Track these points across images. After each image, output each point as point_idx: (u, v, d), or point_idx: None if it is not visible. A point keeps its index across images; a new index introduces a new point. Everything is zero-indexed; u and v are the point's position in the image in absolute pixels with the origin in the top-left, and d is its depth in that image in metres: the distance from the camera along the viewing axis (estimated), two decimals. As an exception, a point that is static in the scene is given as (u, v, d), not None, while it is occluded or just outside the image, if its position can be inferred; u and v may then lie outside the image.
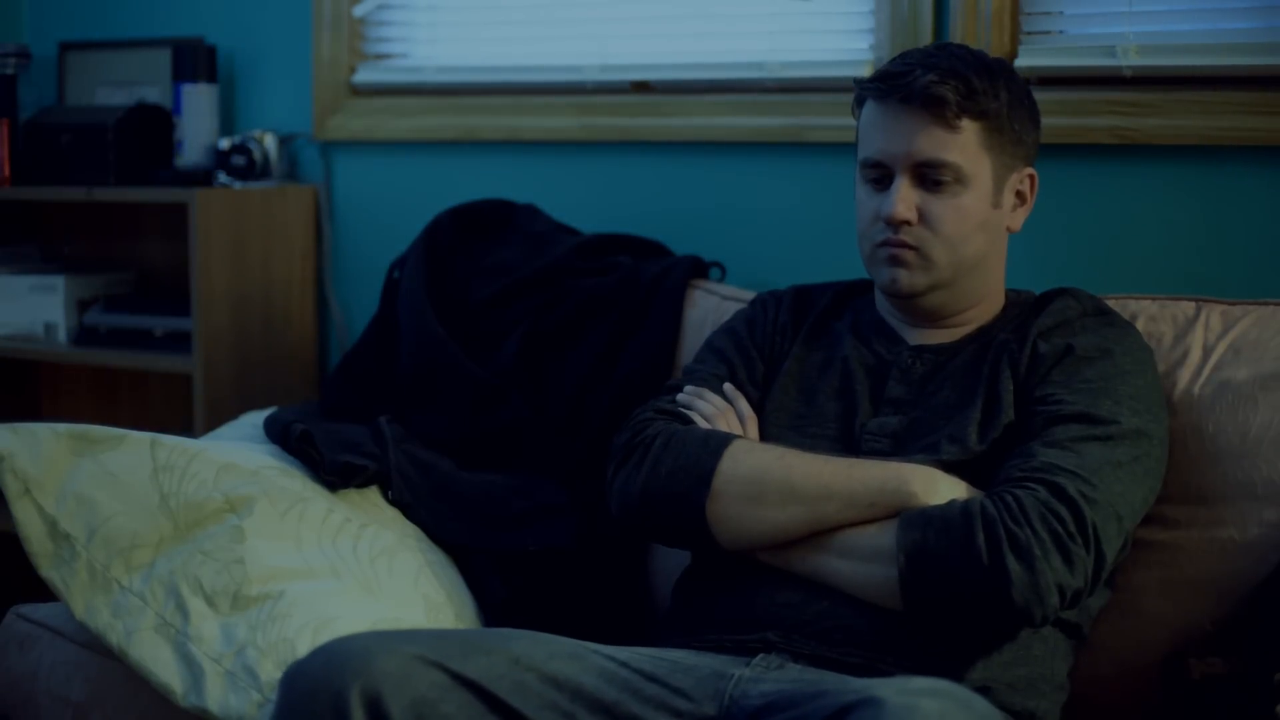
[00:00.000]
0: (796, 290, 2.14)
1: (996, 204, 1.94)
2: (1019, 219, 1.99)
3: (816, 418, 1.98)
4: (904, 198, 1.90)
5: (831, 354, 2.03)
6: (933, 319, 1.99)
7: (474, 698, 1.65)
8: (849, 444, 1.93)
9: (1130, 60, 2.29)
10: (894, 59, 1.96)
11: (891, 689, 1.51)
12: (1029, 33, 2.40)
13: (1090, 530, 1.71)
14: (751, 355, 2.06)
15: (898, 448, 1.89)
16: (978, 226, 1.92)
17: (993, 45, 2.38)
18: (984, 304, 2.00)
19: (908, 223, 1.90)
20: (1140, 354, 1.92)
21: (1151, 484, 1.85)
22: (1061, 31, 2.39)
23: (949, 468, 1.82)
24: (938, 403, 1.92)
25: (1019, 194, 1.98)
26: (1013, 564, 1.68)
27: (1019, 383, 1.88)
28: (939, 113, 1.88)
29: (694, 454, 1.89)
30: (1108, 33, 2.34)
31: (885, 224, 1.92)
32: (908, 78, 1.89)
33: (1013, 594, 1.68)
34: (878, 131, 1.93)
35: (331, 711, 1.59)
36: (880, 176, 1.93)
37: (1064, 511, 1.71)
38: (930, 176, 1.90)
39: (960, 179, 1.89)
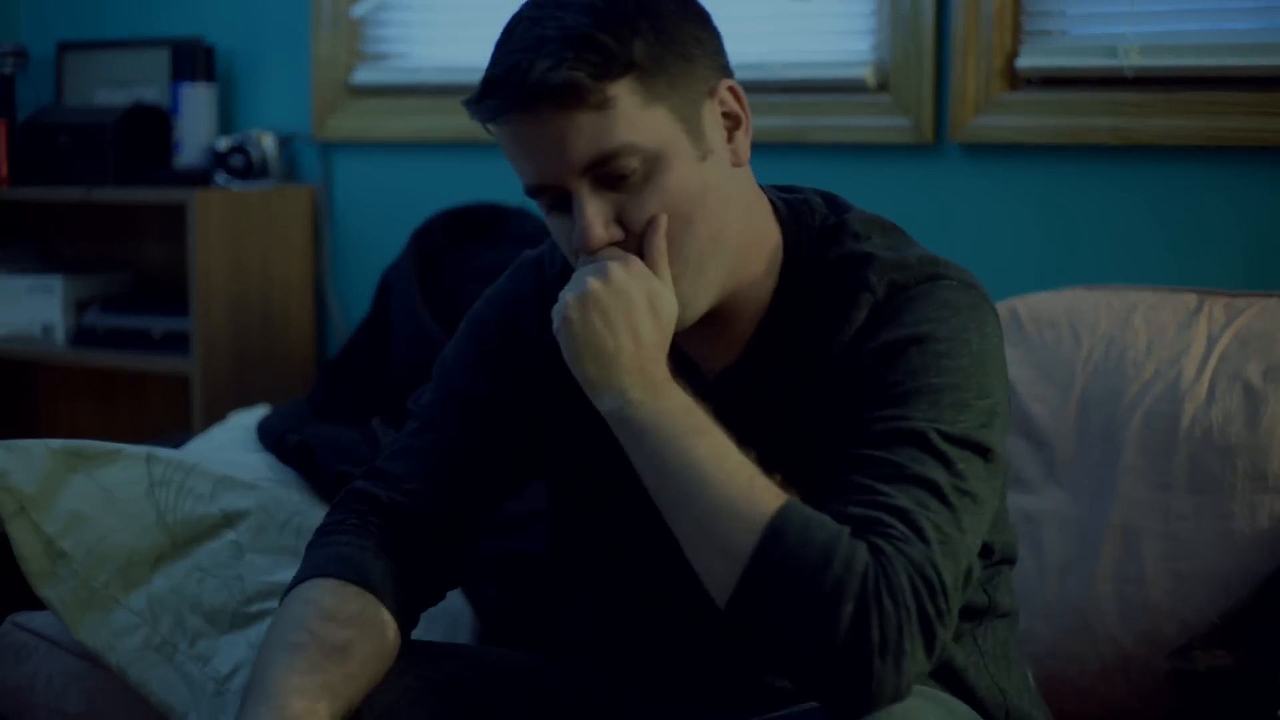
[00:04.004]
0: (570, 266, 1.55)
1: (704, 154, 1.47)
2: (743, 147, 1.51)
3: (622, 496, 1.52)
4: (592, 216, 1.44)
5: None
6: (701, 326, 1.52)
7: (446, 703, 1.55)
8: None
9: (1132, 60, 2.29)
10: (495, 52, 1.46)
11: None
12: (1030, 32, 2.40)
13: (950, 605, 1.36)
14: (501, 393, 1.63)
15: None
16: (698, 197, 1.46)
17: (994, 45, 2.38)
18: (753, 279, 1.54)
19: (616, 242, 1.46)
20: (955, 322, 1.47)
21: (988, 507, 1.45)
22: (1063, 32, 2.40)
23: None
24: None
25: (727, 116, 1.50)
26: (876, 656, 1.32)
27: (817, 412, 1.50)
28: (576, 99, 1.41)
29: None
30: (1109, 33, 2.34)
31: (590, 256, 1.46)
32: (516, 77, 1.41)
33: (859, 678, 1.32)
34: (520, 154, 1.46)
35: None
36: (556, 199, 1.47)
37: (935, 584, 1.34)
38: (610, 174, 1.43)
39: (646, 156, 1.43)
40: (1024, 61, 2.37)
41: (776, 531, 1.35)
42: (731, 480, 1.38)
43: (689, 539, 1.40)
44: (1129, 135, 2.30)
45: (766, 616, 1.35)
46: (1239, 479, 1.93)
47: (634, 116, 1.42)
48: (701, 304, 1.50)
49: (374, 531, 1.57)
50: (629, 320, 1.42)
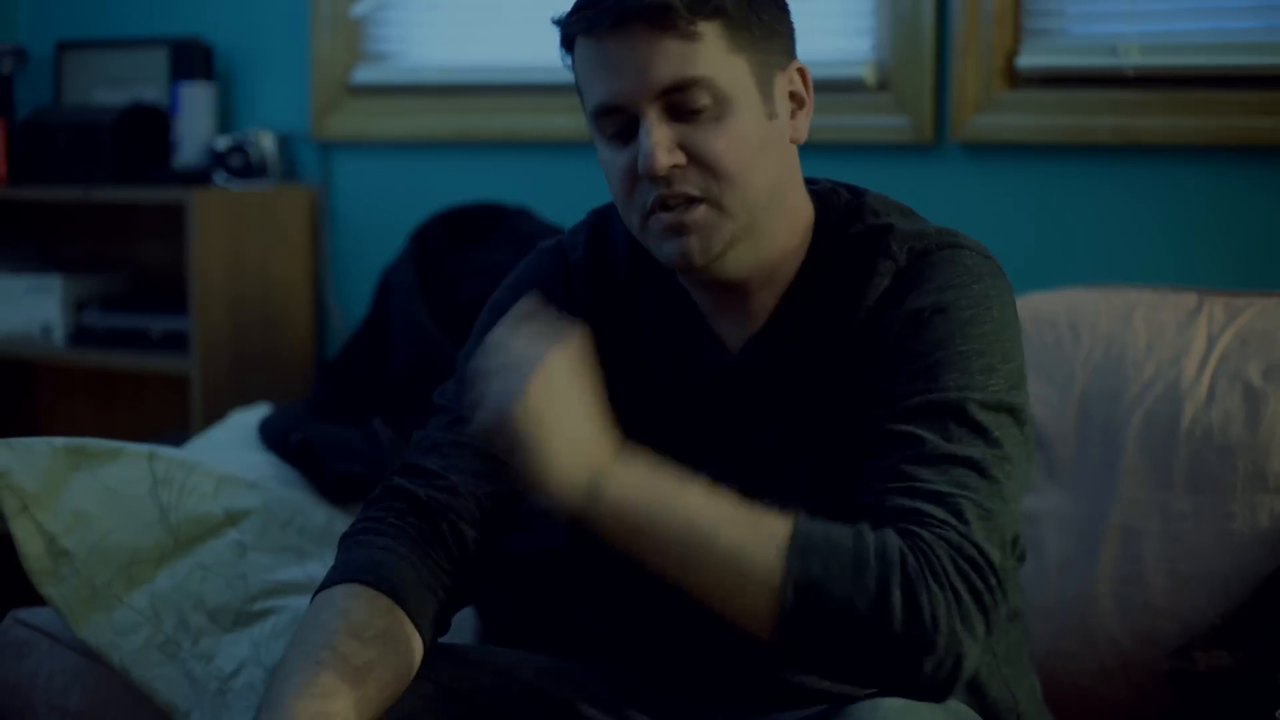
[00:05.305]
0: (594, 250, 1.66)
1: (771, 114, 1.52)
2: (802, 126, 1.57)
3: None
4: (659, 139, 1.47)
5: (633, 367, 1.60)
6: (731, 286, 1.56)
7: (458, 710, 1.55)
8: None
9: (1132, 59, 2.30)
10: None
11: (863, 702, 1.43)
12: (1031, 31, 2.40)
13: (998, 579, 1.40)
14: None
15: None
16: (759, 149, 1.50)
17: (995, 44, 2.38)
18: (788, 250, 1.57)
19: (677, 167, 1.48)
20: (977, 288, 1.52)
21: (1026, 468, 1.50)
22: (1063, 31, 2.40)
23: None
24: (761, 449, 1.57)
25: (793, 96, 1.56)
26: (938, 634, 1.36)
27: (841, 382, 1.53)
28: (667, 22, 1.46)
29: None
30: (1110, 32, 2.35)
31: (649, 181, 1.49)
32: None
33: (924, 666, 1.36)
34: (600, 70, 1.50)
35: None
36: (622, 127, 1.50)
37: (980, 561, 1.38)
38: (683, 105, 1.47)
39: (719, 96, 1.47)
40: (1024, 60, 2.37)
41: (802, 549, 1.37)
42: (733, 520, 1.39)
43: (715, 588, 1.39)
44: (1129, 135, 2.30)
45: (822, 633, 1.37)
46: (1239, 479, 1.93)
47: (717, 56, 1.48)
48: (747, 258, 1.53)
49: (411, 532, 1.55)
50: (561, 420, 1.38)
